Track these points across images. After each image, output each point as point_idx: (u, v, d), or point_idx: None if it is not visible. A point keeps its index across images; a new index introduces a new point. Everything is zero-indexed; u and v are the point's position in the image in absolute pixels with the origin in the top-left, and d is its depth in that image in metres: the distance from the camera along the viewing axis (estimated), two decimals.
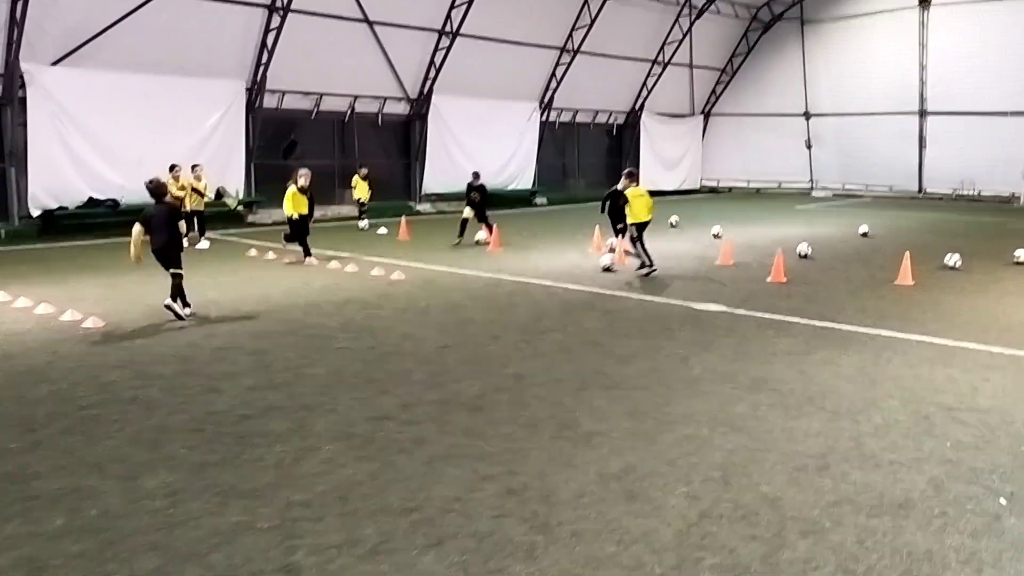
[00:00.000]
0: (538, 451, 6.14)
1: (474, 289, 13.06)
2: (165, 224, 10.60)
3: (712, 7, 34.79)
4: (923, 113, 34.32)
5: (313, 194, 16.25)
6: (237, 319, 10.69)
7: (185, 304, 10.64)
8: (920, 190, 34.89)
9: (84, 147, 20.04)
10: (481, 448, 6.18)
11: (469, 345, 9.42)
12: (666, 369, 8.43)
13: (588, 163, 35.78)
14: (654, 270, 14.40)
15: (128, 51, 20.25)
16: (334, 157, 26.80)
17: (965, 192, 33.56)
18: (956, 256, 15.35)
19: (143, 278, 13.37)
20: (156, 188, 10.84)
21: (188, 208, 18.15)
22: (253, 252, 16.87)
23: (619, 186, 15.57)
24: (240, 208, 22.46)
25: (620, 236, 15.99)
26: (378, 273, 14.32)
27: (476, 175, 19.39)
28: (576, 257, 16.77)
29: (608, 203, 16.06)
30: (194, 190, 18.18)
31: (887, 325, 10.50)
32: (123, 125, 20.34)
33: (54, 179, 19.71)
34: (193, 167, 18.53)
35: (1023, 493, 5.38)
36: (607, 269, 14.95)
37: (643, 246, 14.56)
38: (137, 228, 10.46)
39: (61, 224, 19.85)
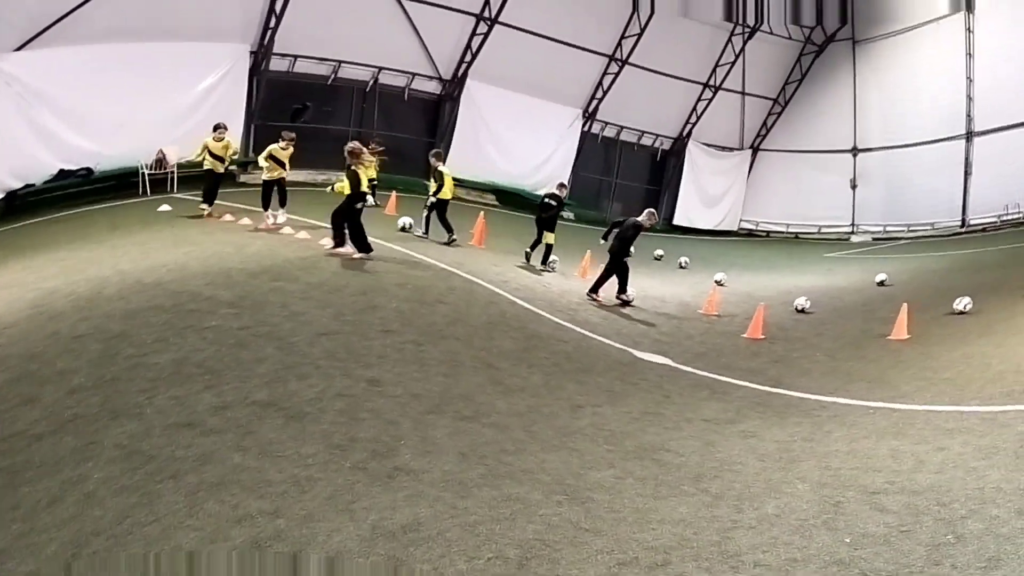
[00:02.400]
0: (325, 483, 4.93)
1: (414, 276, 11.72)
2: None
3: (764, 27, 33.04)
4: (970, 135, 32.21)
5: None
6: (127, 295, 9.39)
7: None
8: (963, 223, 32.69)
9: (54, 122, 18.72)
10: (264, 474, 5.00)
11: (354, 335, 8.20)
12: (547, 412, 7.06)
13: (626, 186, 34.04)
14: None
15: (107, 21, 18.98)
16: (350, 125, 25.71)
17: (1010, 216, 31.12)
18: (967, 299, 13.47)
19: (58, 259, 12.17)
20: None
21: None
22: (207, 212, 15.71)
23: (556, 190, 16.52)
24: (233, 167, 21.43)
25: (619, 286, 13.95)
26: (327, 243, 12.96)
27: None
28: (554, 276, 15.35)
29: (616, 231, 14.21)
30: (212, 154, 16.06)
31: (850, 391, 8.97)
32: (100, 97, 18.98)
33: (19, 159, 18.37)
34: (215, 128, 16.30)
35: None
36: (626, 303, 13.77)
37: (428, 221, 15.99)
38: None
39: (27, 202, 18.57)
